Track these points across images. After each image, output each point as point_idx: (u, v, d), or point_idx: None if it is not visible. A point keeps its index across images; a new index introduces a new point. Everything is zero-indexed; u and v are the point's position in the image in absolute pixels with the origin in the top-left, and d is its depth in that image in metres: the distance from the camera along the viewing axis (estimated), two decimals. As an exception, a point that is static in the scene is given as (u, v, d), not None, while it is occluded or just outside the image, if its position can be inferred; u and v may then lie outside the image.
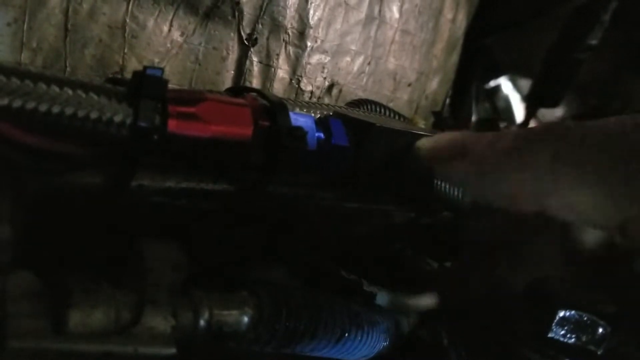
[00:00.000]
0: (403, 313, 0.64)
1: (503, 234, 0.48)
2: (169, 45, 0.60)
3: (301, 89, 0.71)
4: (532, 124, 1.28)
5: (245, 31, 0.64)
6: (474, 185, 0.38)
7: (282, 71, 0.69)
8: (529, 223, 0.44)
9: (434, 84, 0.95)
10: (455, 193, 0.50)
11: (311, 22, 0.68)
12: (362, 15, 0.75)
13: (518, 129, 0.42)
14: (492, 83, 1.39)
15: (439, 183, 0.51)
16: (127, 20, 0.58)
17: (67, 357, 0.37)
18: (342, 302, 0.57)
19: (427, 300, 0.66)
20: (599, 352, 0.43)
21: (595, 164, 0.32)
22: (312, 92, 0.73)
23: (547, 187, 0.33)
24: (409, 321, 0.64)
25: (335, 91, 0.75)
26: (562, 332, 0.42)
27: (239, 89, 0.58)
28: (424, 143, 0.44)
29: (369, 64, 0.78)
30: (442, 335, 0.62)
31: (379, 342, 0.59)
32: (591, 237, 0.45)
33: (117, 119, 0.40)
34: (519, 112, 1.41)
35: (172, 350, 0.40)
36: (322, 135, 0.52)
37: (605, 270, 0.46)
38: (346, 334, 0.55)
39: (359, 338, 0.56)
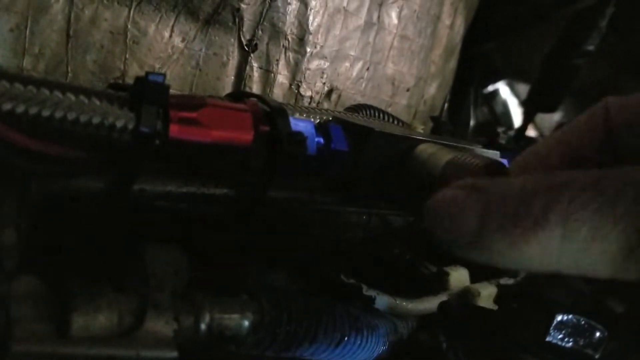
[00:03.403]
0: (402, 317, 0.64)
1: None
2: (170, 50, 0.61)
3: (301, 94, 0.72)
4: (530, 128, 1.29)
5: (245, 37, 0.65)
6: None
7: (281, 76, 0.69)
8: None
9: (432, 89, 0.95)
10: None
11: (310, 28, 0.69)
12: (361, 21, 0.75)
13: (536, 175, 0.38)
14: (490, 88, 1.39)
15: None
16: (129, 26, 0.58)
17: (70, 360, 0.38)
18: (341, 306, 0.57)
19: (426, 305, 0.66)
20: (596, 356, 0.43)
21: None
22: (311, 98, 0.73)
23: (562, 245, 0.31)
24: (408, 325, 0.64)
25: (334, 96, 0.76)
26: (560, 336, 0.42)
27: (239, 94, 0.59)
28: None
29: (367, 69, 0.79)
30: (441, 340, 0.62)
31: (378, 346, 0.59)
32: None
33: (119, 124, 0.41)
34: (517, 116, 1.42)
35: (174, 354, 0.41)
36: (321, 140, 0.53)
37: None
38: (346, 338, 0.55)
39: (359, 342, 0.56)
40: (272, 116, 0.49)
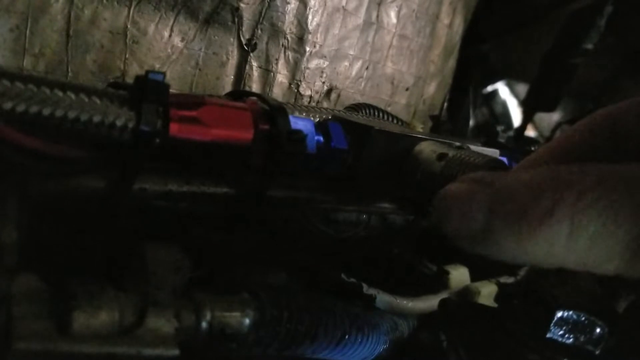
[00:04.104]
0: (402, 316, 0.64)
1: None
2: (169, 50, 0.61)
3: (300, 94, 0.72)
4: (529, 128, 1.29)
5: (244, 36, 0.65)
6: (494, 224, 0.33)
7: (281, 76, 0.69)
8: None
9: (431, 88, 0.96)
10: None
11: (310, 27, 0.69)
12: (360, 20, 0.75)
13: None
14: (490, 88, 1.39)
15: (439, 186, 0.51)
16: (128, 26, 0.58)
17: (71, 358, 0.38)
18: (342, 305, 0.57)
19: (426, 303, 0.66)
20: (596, 352, 0.43)
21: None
22: (311, 97, 0.73)
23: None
24: (408, 324, 0.64)
25: (333, 95, 0.76)
26: (561, 332, 0.42)
27: (239, 93, 0.59)
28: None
29: (367, 68, 0.79)
30: (441, 338, 0.63)
31: (378, 345, 0.59)
32: None
33: (120, 122, 0.41)
34: (516, 116, 1.42)
35: (175, 352, 0.41)
36: (321, 138, 0.53)
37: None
38: (346, 337, 0.55)
39: (359, 340, 0.56)
40: (271, 115, 0.49)
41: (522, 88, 1.35)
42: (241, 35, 0.65)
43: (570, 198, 0.31)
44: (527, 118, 1.28)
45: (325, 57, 0.73)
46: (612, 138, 0.39)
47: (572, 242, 0.31)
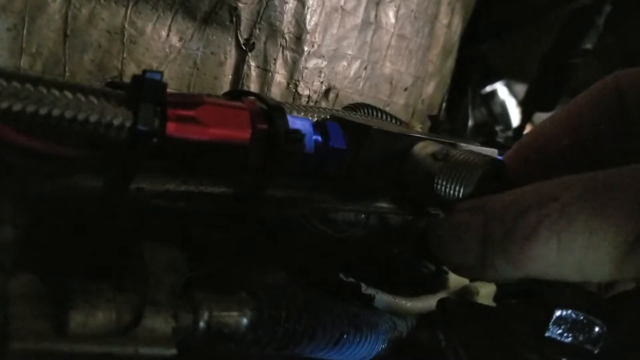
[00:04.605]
0: (401, 315, 0.64)
1: None
2: (167, 50, 0.61)
3: (298, 94, 0.72)
4: (527, 128, 1.29)
5: (242, 36, 0.65)
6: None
7: (279, 75, 0.69)
8: None
9: (430, 88, 0.95)
10: (455, 195, 0.50)
11: (308, 27, 0.69)
12: (359, 20, 0.75)
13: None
14: (489, 88, 1.40)
15: (437, 186, 0.51)
16: (126, 26, 0.58)
17: (68, 358, 0.38)
18: (340, 304, 0.57)
19: (425, 303, 0.66)
20: (595, 352, 0.43)
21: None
22: (309, 97, 0.73)
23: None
24: (407, 323, 0.64)
25: (332, 95, 0.76)
26: (559, 331, 0.42)
27: (237, 92, 0.59)
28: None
29: (365, 68, 0.79)
30: (440, 338, 0.62)
31: (377, 345, 0.59)
32: None
33: (117, 122, 0.41)
34: (515, 117, 1.42)
35: (173, 351, 0.41)
36: (319, 138, 0.53)
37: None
38: (344, 336, 0.55)
39: (357, 340, 0.56)
40: (270, 114, 0.49)
41: (521, 88, 1.35)
42: (239, 35, 0.65)
43: (554, 215, 0.31)
44: (526, 118, 1.28)
45: (323, 57, 0.73)
46: (619, 111, 0.38)
47: (562, 256, 0.31)
